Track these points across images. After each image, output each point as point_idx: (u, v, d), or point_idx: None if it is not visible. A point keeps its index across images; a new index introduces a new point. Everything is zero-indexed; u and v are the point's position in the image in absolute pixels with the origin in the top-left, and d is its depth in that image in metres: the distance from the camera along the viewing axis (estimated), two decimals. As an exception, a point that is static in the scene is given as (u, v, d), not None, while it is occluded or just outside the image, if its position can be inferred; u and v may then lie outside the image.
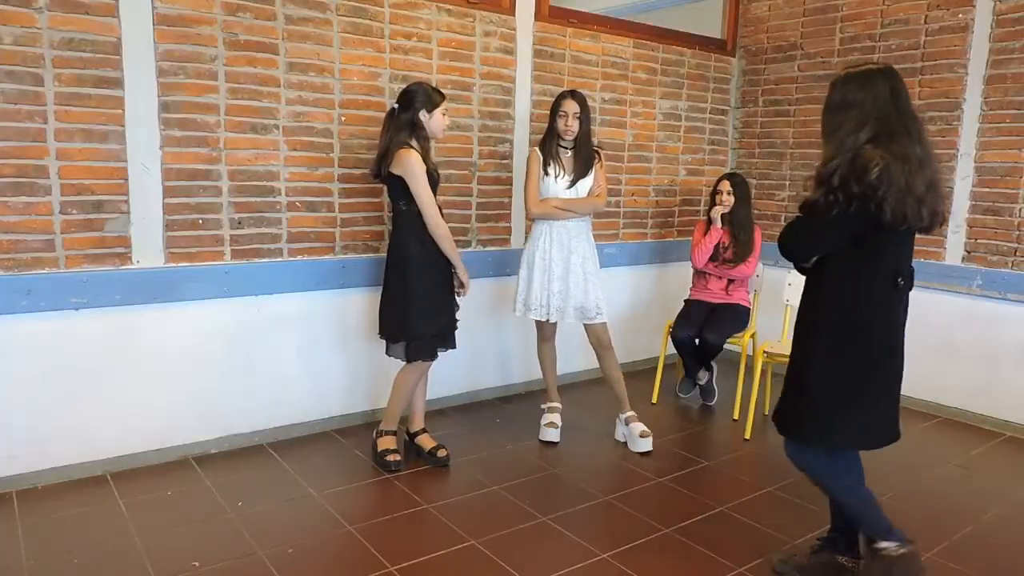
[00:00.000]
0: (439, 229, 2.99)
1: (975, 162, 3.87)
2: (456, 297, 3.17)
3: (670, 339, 4.03)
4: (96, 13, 2.76)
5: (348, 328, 3.52)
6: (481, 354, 4.02)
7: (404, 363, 3.11)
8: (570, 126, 3.26)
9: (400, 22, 3.47)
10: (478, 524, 2.67)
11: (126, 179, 2.90)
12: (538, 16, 3.95)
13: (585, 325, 3.42)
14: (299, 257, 3.34)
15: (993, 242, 3.83)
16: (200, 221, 3.08)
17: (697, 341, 3.92)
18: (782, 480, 3.10)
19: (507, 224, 4.00)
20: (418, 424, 3.33)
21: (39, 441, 2.85)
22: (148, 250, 2.98)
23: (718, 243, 4.01)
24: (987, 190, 3.83)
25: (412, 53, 3.53)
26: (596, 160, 3.38)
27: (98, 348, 2.93)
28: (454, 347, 3.18)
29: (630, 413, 3.48)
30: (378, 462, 3.14)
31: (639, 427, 3.43)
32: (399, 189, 2.96)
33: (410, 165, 2.90)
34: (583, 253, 3.38)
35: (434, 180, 3.01)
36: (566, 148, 3.35)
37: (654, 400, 4.13)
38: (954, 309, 3.95)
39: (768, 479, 3.12)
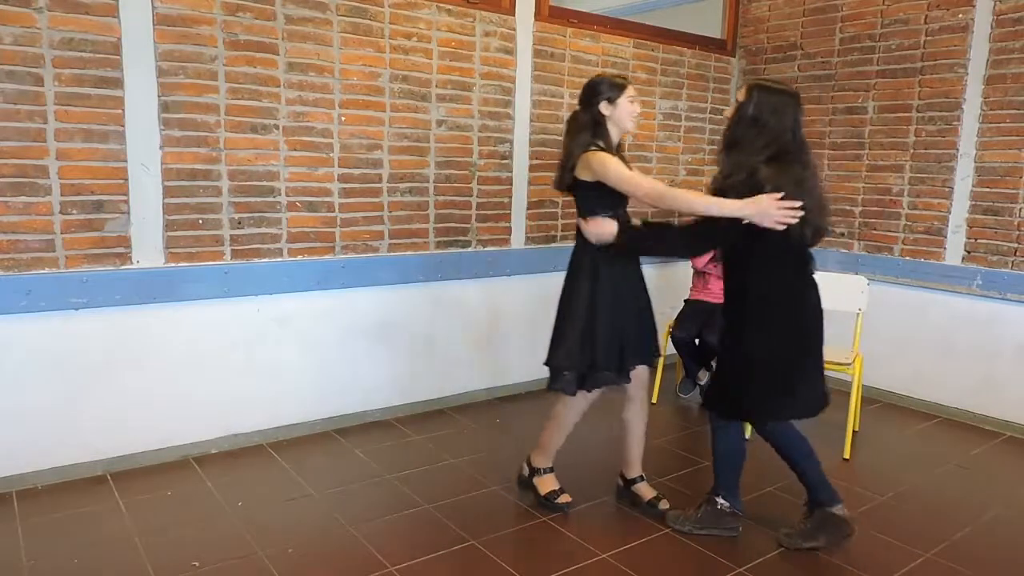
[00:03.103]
0: (660, 198, 2.49)
1: (975, 162, 3.87)
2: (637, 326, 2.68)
3: (670, 339, 4.03)
4: (96, 13, 2.76)
5: (348, 328, 3.52)
6: (480, 354, 4.02)
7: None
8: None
9: (400, 22, 3.47)
10: (478, 524, 2.67)
11: (126, 179, 2.90)
12: (538, 16, 3.95)
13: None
14: (299, 257, 3.34)
15: (993, 242, 3.83)
16: (200, 221, 3.08)
17: (697, 341, 3.92)
18: (782, 480, 3.09)
19: (507, 224, 3.99)
20: (635, 470, 2.88)
21: (39, 441, 2.85)
22: (148, 250, 2.98)
23: (718, 243, 4.01)
24: (987, 190, 3.83)
25: (412, 53, 3.53)
26: None
27: (98, 348, 2.93)
28: (605, 384, 2.66)
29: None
30: (545, 506, 2.80)
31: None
32: (593, 198, 2.57)
33: (600, 163, 2.50)
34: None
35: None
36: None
37: (654, 400, 4.12)
38: (954, 309, 3.95)
39: (768, 479, 3.12)
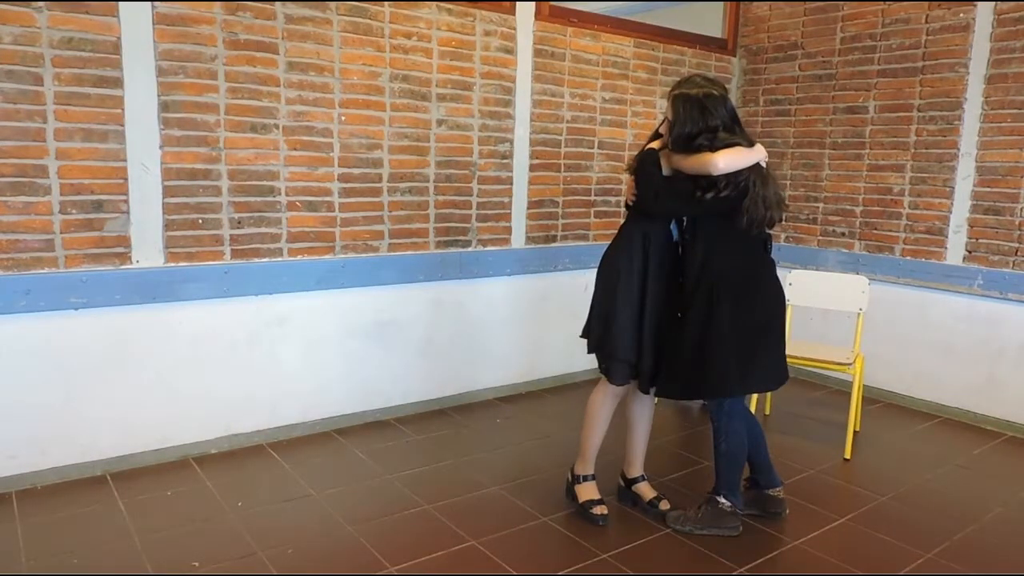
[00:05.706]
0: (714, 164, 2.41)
1: (976, 162, 3.86)
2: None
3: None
4: (96, 12, 2.76)
5: (348, 328, 3.52)
6: (481, 354, 4.02)
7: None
8: None
9: (400, 21, 3.47)
10: (478, 524, 2.66)
11: (126, 179, 2.90)
12: (538, 15, 3.94)
13: None
14: (299, 257, 3.34)
15: (994, 242, 3.82)
16: (200, 221, 3.08)
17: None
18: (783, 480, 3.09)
19: (507, 224, 3.99)
20: (637, 469, 2.87)
21: (39, 441, 2.85)
22: (148, 250, 2.98)
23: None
24: (988, 190, 3.83)
25: (412, 52, 3.52)
26: None
27: (98, 348, 2.92)
28: (647, 386, 2.69)
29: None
30: (583, 515, 2.74)
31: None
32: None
33: None
34: None
35: None
36: None
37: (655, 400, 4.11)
38: (955, 309, 3.95)
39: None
